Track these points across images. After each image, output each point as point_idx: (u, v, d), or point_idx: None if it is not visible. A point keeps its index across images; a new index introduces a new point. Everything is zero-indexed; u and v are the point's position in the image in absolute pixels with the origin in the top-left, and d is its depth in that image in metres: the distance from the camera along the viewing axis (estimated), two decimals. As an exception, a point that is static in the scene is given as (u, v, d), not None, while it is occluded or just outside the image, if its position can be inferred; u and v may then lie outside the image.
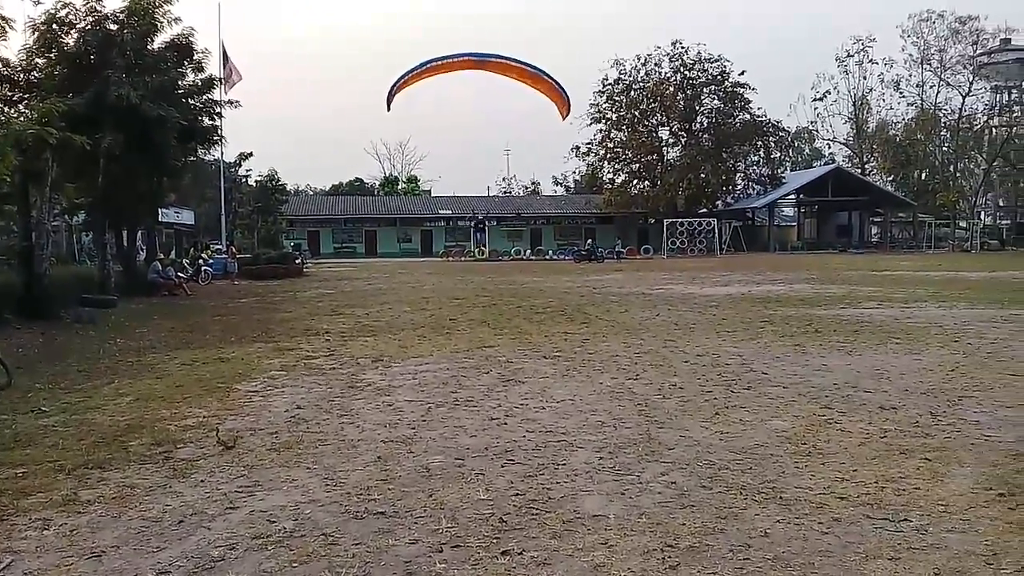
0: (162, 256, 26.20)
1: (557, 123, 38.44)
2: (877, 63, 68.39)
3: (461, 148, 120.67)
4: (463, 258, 52.23)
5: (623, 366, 8.89)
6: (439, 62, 29.96)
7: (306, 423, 6.38)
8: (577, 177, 78.94)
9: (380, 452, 5.46)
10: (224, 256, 31.90)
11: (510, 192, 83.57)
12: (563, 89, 31.68)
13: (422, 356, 9.88)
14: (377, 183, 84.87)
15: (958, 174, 69.63)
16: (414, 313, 15.48)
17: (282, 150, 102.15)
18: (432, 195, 77.31)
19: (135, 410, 6.95)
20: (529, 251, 56.56)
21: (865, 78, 69.71)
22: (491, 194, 78.66)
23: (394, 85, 29.30)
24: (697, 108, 63.83)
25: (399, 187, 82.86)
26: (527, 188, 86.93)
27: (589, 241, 49.81)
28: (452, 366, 9.07)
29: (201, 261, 29.37)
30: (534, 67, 30.58)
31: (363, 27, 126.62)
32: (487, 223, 57.58)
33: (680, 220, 53.98)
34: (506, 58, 30.87)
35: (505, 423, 6.24)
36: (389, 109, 30.58)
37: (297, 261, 35.27)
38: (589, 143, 65.34)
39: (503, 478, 4.81)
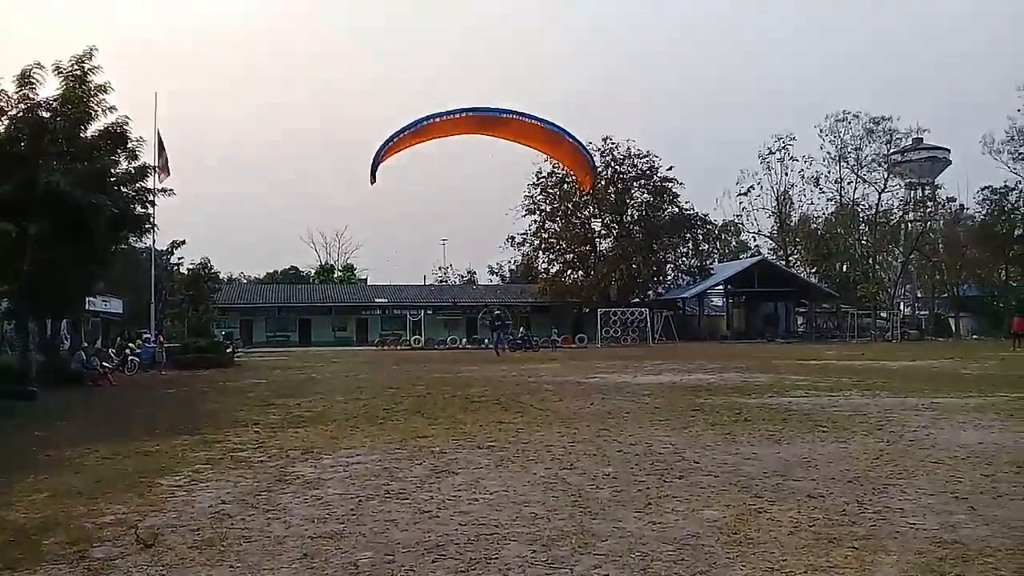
0: (87, 345, 25.41)
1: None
2: (798, 160, 71.50)
3: (397, 237, 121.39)
4: (399, 347, 51.83)
5: (557, 456, 8.87)
6: (433, 121, 23.08)
7: (230, 519, 6.18)
8: (513, 266, 79.79)
9: (307, 548, 5.31)
10: (152, 345, 31.06)
11: (446, 281, 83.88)
12: (589, 154, 26.43)
13: (354, 448, 9.71)
14: (312, 271, 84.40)
15: (877, 266, 72.53)
16: (347, 403, 15.25)
17: (216, 238, 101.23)
18: (368, 284, 77.13)
19: (50, 506, 6.65)
20: (465, 340, 56.46)
21: (787, 174, 72.68)
22: (427, 283, 78.87)
23: (379, 153, 22.97)
24: (628, 201, 65.62)
25: (335, 276, 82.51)
26: (463, 277, 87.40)
27: (522, 329, 50.09)
28: (384, 457, 8.94)
29: (128, 350, 28.53)
30: (556, 127, 23.61)
31: (301, 108, 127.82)
32: (422, 313, 57.47)
33: (613, 310, 54.78)
34: (521, 115, 23.26)
35: (437, 516, 6.15)
36: (373, 181, 22.74)
37: (228, 350, 34.54)
38: (524, 234, 66.44)
39: (434, 574, 4.72)
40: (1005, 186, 65.81)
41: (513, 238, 67.47)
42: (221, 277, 55.13)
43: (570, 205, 64.98)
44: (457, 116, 22.52)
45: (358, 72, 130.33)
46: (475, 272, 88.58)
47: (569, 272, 65.94)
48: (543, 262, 68.09)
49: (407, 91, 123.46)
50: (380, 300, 65.06)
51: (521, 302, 65.89)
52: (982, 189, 67.65)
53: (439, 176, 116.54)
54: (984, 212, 68.81)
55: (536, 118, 22.93)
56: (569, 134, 23.53)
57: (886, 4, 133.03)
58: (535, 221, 65.81)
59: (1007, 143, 63.94)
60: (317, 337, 61.84)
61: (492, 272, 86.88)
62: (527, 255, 69.41)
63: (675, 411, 13.06)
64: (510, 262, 79.29)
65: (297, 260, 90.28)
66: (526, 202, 65.04)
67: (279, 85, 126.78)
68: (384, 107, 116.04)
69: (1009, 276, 70.03)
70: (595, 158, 64.53)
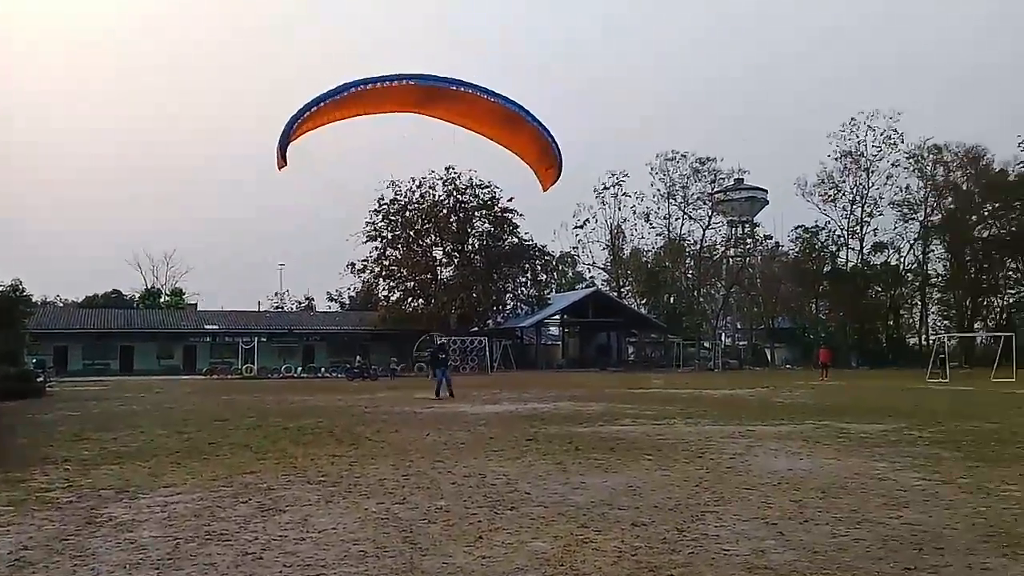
0: None
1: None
2: (630, 196, 74.85)
3: (231, 261, 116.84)
4: (230, 376, 49.75)
5: (390, 490, 8.76)
6: (363, 88, 17.97)
7: (32, 567, 5.69)
8: (352, 293, 78.69)
9: (117, 598, 4.97)
10: (-50, 375, 28.26)
11: (282, 308, 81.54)
12: (554, 142, 19.66)
13: (174, 485, 9.19)
14: (137, 296, 79.78)
15: (701, 299, 76.83)
16: (169, 437, 14.44)
17: (30, 258, 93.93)
18: (198, 309, 73.74)
19: None
20: (301, 368, 54.96)
21: (620, 209, 75.84)
22: (262, 309, 76.32)
23: (291, 125, 17.62)
24: (469, 230, 66.48)
25: (161, 300, 78.33)
26: (300, 304, 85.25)
27: (358, 358, 49.35)
28: (207, 496, 8.51)
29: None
30: (517, 106, 18.83)
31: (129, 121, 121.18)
32: (256, 341, 55.52)
33: (453, 338, 54.97)
34: (475, 88, 18.41)
35: (261, 557, 5.91)
36: (283, 163, 17.66)
37: (39, 379, 32.02)
38: (364, 260, 65.87)
39: (255, 620, 4.53)
40: (816, 226, 71.64)
41: (353, 264, 66.85)
42: (35, 300, 51.01)
43: (412, 233, 65.08)
44: (395, 84, 18.04)
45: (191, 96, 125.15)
46: (313, 299, 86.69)
47: (410, 300, 65.86)
48: (383, 289, 67.73)
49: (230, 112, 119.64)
50: (210, 326, 62.39)
51: (361, 330, 64.97)
52: (795, 228, 73.33)
53: (277, 196, 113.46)
54: (797, 250, 74.41)
55: (493, 93, 18.26)
56: (532, 116, 18.90)
57: (713, 51, 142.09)
58: (376, 248, 65.49)
59: (818, 186, 69.94)
60: (140, 365, 58.45)
61: (331, 299, 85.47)
62: (367, 282, 68.77)
63: (510, 441, 13.22)
64: (350, 289, 78.36)
65: (122, 284, 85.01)
66: (367, 228, 64.52)
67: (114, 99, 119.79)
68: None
69: (818, 310, 75.86)
70: (437, 186, 65.54)
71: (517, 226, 67.01)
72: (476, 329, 62.37)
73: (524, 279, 69.48)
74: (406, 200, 65.33)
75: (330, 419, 18.04)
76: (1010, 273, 67.85)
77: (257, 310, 74.61)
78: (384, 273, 66.22)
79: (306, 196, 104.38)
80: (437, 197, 65.76)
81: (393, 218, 64.93)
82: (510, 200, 66.32)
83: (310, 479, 9.51)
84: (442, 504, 7.91)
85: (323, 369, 55.29)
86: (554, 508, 7.64)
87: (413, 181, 65.24)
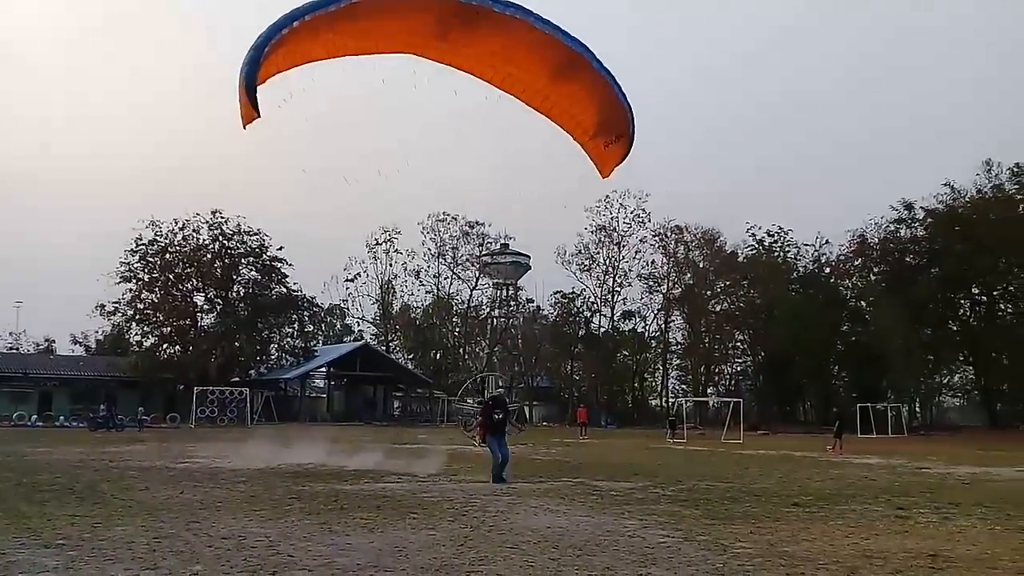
0: None
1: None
2: (402, 253, 75.72)
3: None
4: (-59, 424, 43.98)
5: (139, 554, 8.23)
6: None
7: None
8: (101, 337, 72.89)
9: None
10: None
11: (17, 349, 73.63)
12: (626, 100, 13.06)
13: None
14: None
15: (467, 356, 78.64)
16: None
17: None
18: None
19: None
20: (36, 417, 49.75)
21: (391, 265, 76.43)
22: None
23: (259, 52, 11.08)
24: (235, 277, 64.10)
25: None
26: (39, 345, 77.52)
27: (103, 406, 45.49)
28: (-79, 565, 7.58)
29: None
30: (579, 43, 12.45)
31: None
32: None
33: (211, 388, 52.31)
34: (523, 11, 11.97)
35: (-8, 633, 5.39)
36: (255, 112, 11.04)
37: None
38: (117, 302, 61.21)
39: None
40: (573, 292, 76.34)
41: (103, 306, 61.87)
42: None
43: (171, 276, 61.58)
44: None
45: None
46: (54, 341, 79.06)
47: (165, 346, 61.95)
48: (137, 334, 63.29)
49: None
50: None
51: (108, 376, 59.95)
52: (554, 293, 77.66)
53: (19, 225, 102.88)
54: (556, 313, 78.65)
55: (549, 23, 12.12)
56: (598, 60, 12.63)
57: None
58: (131, 290, 61.07)
59: (575, 255, 74.70)
60: None
61: (76, 342, 78.39)
62: (119, 325, 63.96)
63: (272, 499, 12.82)
64: (97, 332, 72.52)
65: None
66: (122, 268, 60.17)
67: None
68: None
69: (573, 371, 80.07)
70: (202, 229, 62.62)
71: (286, 275, 65.58)
72: (237, 380, 59.72)
73: (291, 330, 67.84)
74: (167, 242, 61.80)
75: (70, 474, 16.53)
76: (738, 344, 75.31)
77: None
78: (138, 317, 61.93)
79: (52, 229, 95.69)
80: (201, 241, 62.86)
81: (152, 260, 61.11)
82: (280, 249, 64.95)
83: (47, 542, 8.72)
84: (198, 569, 7.57)
85: (63, 417, 50.29)
86: (319, 572, 7.55)
87: (176, 223, 62.03)
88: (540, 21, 12.06)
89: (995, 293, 60.35)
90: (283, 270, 65.00)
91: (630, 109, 13.12)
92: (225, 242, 63.05)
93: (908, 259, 62.39)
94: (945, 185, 59.47)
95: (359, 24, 11.88)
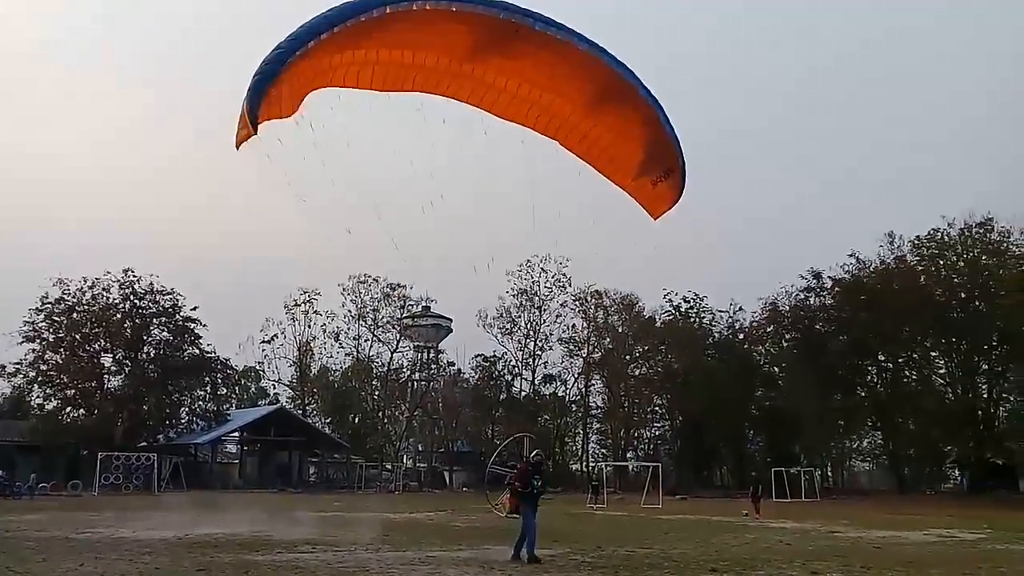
0: None
1: None
2: (321, 314, 74.60)
3: None
4: None
5: (37, 632, 7.81)
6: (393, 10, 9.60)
7: None
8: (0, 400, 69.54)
9: None
10: None
11: None
12: (675, 133, 11.60)
13: None
14: None
15: (386, 420, 77.54)
16: None
17: None
18: None
19: None
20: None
21: (310, 326, 75.07)
22: None
23: (273, 72, 9.26)
24: (145, 338, 62.15)
25: None
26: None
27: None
28: None
29: None
30: (627, 69, 11.05)
31: None
32: None
33: (117, 453, 50.14)
34: (566, 31, 10.61)
35: None
36: (252, 130, 9.15)
37: None
38: (18, 363, 58.53)
39: None
40: (494, 355, 76.34)
41: (3, 367, 59.09)
42: None
43: (78, 336, 59.38)
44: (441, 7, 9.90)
45: None
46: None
47: (69, 409, 59.39)
48: (38, 396, 60.52)
49: None
50: None
51: (5, 440, 56.86)
52: (476, 356, 77.46)
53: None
54: (477, 377, 78.37)
55: (595, 45, 10.78)
56: (647, 89, 11.24)
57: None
58: (34, 350, 58.52)
59: (497, 319, 74.89)
60: None
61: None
62: (19, 387, 61.12)
63: (178, 572, 12.33)
64: (-5, 394, 69.08)
65: None
66: (25, 328, 57.69)
67: None
68: None
69: (494, 435, 79.52)
70: (112, 288, 60.67)
71: (199, 336, 63.73)
72: (144, 444, 57.42)
73: (203, 392, 65.74)
74: (75, 301, 59.63)
75: (-43, 548, 15.57)
76: (656, 408, 76.23)
77: None
78: (41, 379, 59.24)
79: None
80: (111, 300, 60.87)
81: (58, 319, 58.79)
82: (194, 309, 63.29)
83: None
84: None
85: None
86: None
87: (85, 281, 59.99)
88: (585, 42, 10.69)
89: (900, 360, 62.71)
90: (196, 331, 63.39)
91: (678, 142, 11.65)
92: (136, 301, 61.21)
93: (818, 327, 64.46)
94: (851, 256, 62.16)
95: (391, 37, 10.17)
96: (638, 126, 11.52)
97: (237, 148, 9.48)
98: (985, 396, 58.12)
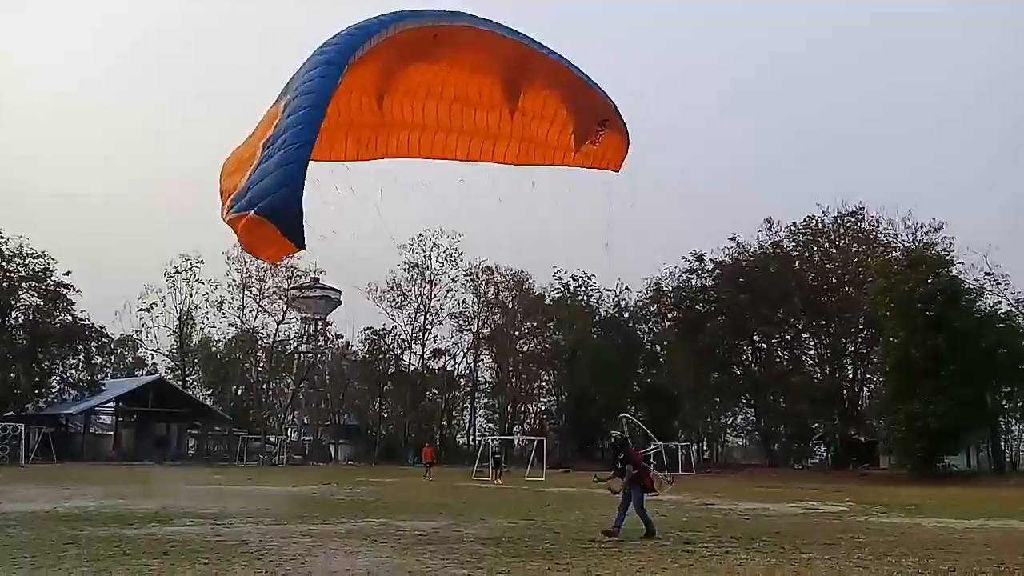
0: None
1: None
2: (203, 283, 72.10)
3: None
4: None
5: None
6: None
7: None
8: None
9: None
10: None
11: None
12: (599, 88, 11.44)
13: None
14: None
15: (271, 392, 75.96)
16: None
17: None
18: None
19: None
20: None
21: (192, 295, 72.54)
22: None
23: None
24: (13, 303, 58.72)
25: None
26: None
27: None
28: None
29: None
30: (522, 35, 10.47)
31: None
32: None
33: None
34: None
35: None
36: (301, 240, 7.88)
37: None
38: None
39: None
40: (384, 329, 75.62)
41: None
42: None
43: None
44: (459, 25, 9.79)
45: None
46: None
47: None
48: None
49: None
50: None
51: None
52: (365, 329, 76.63)
53: None
54: (366, 350, 77.60)
55: (481, 19, 10.14)
56: (541, 45, 10.77)
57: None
58: None
59: (387, 292, 74.15)
60: None
61: None
62: None
63: (45, 546, 11.84)
64: None
65: None
66: None
67: None
68: None
69: (381, 408, 79.17)
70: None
71: (72, 303, 60.65)
72: (12, 414, 54.49)
73: (76, 361, 62.76)
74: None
75: None
76: (544, 383, 77.48)
77: None
78: None
79: None
80: (-25, 263, 57.31)
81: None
82: (67, 274, 60.14)
83: None
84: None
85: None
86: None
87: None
88: (470, 19, 9.98)
89: (773, 341, 65.76)
90: (69, 297, 60.31)
91: (596, 85, 11.26)
92: (3, 264, 57.79)
93: (698, 307, 66.67)
94: (731, 240, 64.50)
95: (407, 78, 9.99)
96: (556, 98, 11.23)
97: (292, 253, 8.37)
98: (851, 376, 61.88)
